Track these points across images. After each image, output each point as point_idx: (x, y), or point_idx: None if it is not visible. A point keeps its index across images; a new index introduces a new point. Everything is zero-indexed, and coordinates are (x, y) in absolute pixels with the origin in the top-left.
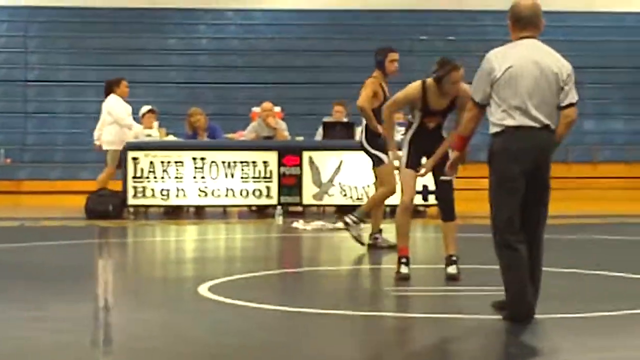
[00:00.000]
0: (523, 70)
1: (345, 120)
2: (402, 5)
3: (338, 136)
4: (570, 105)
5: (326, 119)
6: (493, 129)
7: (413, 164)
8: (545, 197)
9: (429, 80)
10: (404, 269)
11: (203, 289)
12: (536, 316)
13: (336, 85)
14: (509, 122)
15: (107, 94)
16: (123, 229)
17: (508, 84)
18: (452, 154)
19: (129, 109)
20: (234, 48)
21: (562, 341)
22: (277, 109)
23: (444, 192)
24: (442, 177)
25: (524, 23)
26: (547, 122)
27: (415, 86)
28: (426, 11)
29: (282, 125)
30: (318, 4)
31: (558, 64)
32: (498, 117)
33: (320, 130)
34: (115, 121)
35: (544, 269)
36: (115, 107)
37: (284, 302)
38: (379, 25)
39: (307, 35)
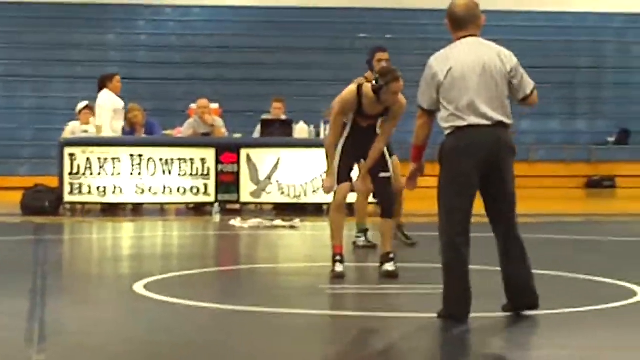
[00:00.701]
0: (464, 70)
1: (283, 117)
2: (341, 3)
3: (276, 133)
4: (529, 95)
5: (265, 117)
6: (444, 132)
7: (343, 179)
8: (509, 193)
9: (366, 85)
10: (338, 267)
11: (139, 287)
12: (473, 315)
13: (275, 82)
14: (459, 122)
15: (100, 89)
16: (59, 225)
17: (452, 85)
18: (410, 166)
19: (119, 104)
20: (172, 44)
21: (499, 340)
22: (215, 105)
23: (383, 189)
24: (381, 174)
25: (460, 23)
26: (498, 118)
27: (350, 91)
28: (365, 9)
29: (220, 122)
30: (257, 1)
31: (501, 57)
32: (447, 120)
33: (258, 128)
34: (98, 115)
35: (488, 268)
36: (101, 102)
37: (220, 300)
38: (318, 23)
39: (246, 32)
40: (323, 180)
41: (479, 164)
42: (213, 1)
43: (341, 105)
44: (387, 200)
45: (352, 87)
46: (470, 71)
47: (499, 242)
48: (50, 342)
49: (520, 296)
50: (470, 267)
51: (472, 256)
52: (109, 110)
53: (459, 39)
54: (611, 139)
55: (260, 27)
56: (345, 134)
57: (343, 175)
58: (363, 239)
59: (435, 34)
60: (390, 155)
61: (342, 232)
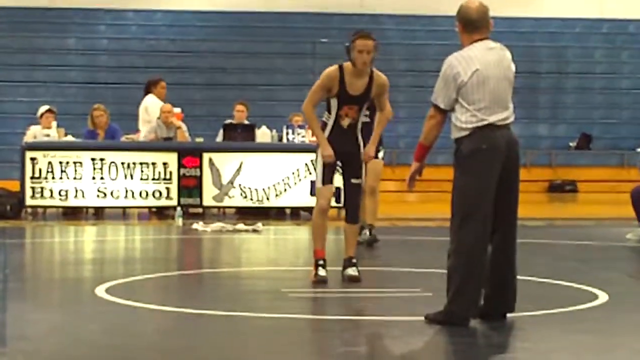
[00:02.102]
0: (489, 72)
1: (246, 122)
2: (304, 7)
3: (239, 138)
4: None
5: (228, 121)
6: (460, 133)
7: (328, 180)
8: (517, 196)
9: (346, 63)
10: (321, 272)
11: (100, 291)
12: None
13: (237, 87)
14: (479, 123)
15: (145, 94)
16: (20, 229)
17: (476, 86)
18: (412, 165)
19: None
20: (134, 49)
21: (466, 339)
22: (178, 110)
23: (353, 195)
24: (353, 180)
25: (475, 25)
26: (512, 119)
27: (331, 69)
28: (328, 14)
29: (182, 126)
30: (219, 6)
31: (510, 61)
32: (466, 121)
33: (221, 132)
34: (143, 120)
35: (436, 270)
36: (149, 106)
37: (182, 304)
38: (281, 28)
39: (208, 37)
40: (321, 153)
41: (499, 167)
42: (175, 6)
43: (322, 79)
44: (354, 206)
45: (333, 67)
46: (492, 74)
47: (496, 243)
48: (10, 346)
49: (505, 300)
50: (434, 270)
51: (434, 259)
52: (154, 115)
53: (474, 41)
54: (573, 144)
55: (223, 32)
56: (327, 134)
57: (327, 178)
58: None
59: (397, 38)
60: (381, 143)
61: (325, 237)
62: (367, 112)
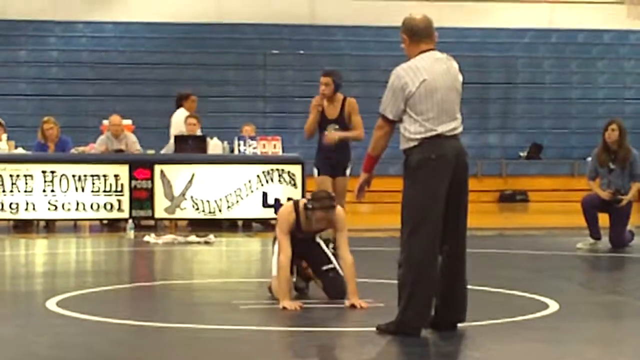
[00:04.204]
0: (437, 83)
1: (198, 133)
2: (255, 19)
3: (190, 150)
4: None
5: (177, 133)
6: (409, 144)
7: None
8: (466, 206)
9: (302, 202)
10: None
11: (51, 304)
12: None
13: None
14: (428, 133)
15: (177, 107)
16: None
17: (424, 97)
18: (361, 176)
19: None
20: (84, 60)
21: (418, 350)
22: (128, 122)
23: (332, 283)
24: (324, 267)
25: (420, 36)
26: (460, 129)
27: (287, 211)
28: (279, 25)
29: (133, 138)
30: (170, 17)
31: (458, 71)
32: (414, 131)
33: (169, 144)
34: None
35: (387, 280)
36: (173, 119)
37: (134, 317)
38: (232, 39)
39: (159, 49)
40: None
41: (448, 177)
42: (126, 17)
43: (281, 229)
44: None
45: (289, 205)
46: (440, 84)
47: (445, 253)
48: None
49: (454, 310)
50: (385, 281)
51: (385, 270)
52: (175, 129)
53: (421, 52)
54: (523, 154)
55: (173, 43)
56: None
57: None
58: None
59: (348, 50)
60: (349, 159)
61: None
62: (337, 127)
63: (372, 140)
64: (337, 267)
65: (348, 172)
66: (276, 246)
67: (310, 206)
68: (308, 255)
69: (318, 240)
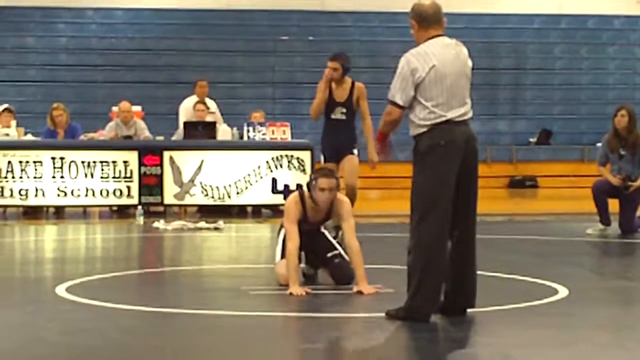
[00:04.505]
0: (446, 68)
1: (209, 119)
2: (264, 5)
3: (200, 136)
4: None
5: (187, 119)
6: (418, 130)
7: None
8: (476, 192)
9: (307, 192)
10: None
11: (61, 290)
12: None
13: None
14: (436, 120)
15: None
16: None
17: (434, 82)
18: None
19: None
20: (93, 47)
21: (428, 335)
22: (138, 108)
23: (339, 269)
24: (329, 254)
25: (430, 21)
26: (470, 115)
27: (294, 201)
28: (288, 11)
29: (142, 125)
30: (179, 4)
31: (467, 57)
32: (423, 117)
33: (179, 130)
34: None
35: (397, 267)
36: (181, 106)
37: (144, 302)
38: (241, 26)
39: (168, 35)
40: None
41: (458, 162)
42: (135, 4)
43: (288, 218)
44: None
45: (294, 195)
46: (450, 70)
47: (455, 239)
48: None
49: (464, 296)
50: (395, 267)
51: (395, 256)
52: (182, 115)
53: (430, 38)
54: (533, 140)
55: (183, 29)
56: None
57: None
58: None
59: (357, 36)
60: (355, 140)
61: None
62: (344, 110)
63: (380, 125)
64: (343, 252)
65: (355, 152)
66: (281, 236)
67: (313, 178)
68: (314, 246)
69: (323, 230)
